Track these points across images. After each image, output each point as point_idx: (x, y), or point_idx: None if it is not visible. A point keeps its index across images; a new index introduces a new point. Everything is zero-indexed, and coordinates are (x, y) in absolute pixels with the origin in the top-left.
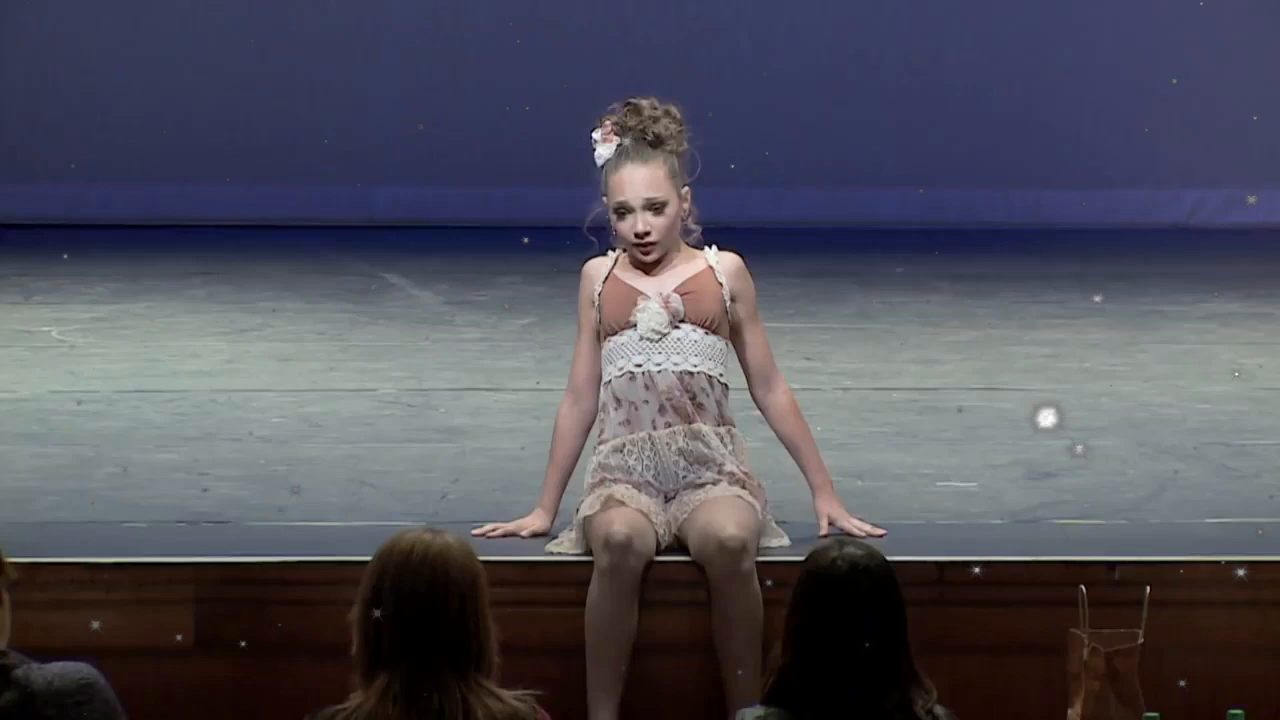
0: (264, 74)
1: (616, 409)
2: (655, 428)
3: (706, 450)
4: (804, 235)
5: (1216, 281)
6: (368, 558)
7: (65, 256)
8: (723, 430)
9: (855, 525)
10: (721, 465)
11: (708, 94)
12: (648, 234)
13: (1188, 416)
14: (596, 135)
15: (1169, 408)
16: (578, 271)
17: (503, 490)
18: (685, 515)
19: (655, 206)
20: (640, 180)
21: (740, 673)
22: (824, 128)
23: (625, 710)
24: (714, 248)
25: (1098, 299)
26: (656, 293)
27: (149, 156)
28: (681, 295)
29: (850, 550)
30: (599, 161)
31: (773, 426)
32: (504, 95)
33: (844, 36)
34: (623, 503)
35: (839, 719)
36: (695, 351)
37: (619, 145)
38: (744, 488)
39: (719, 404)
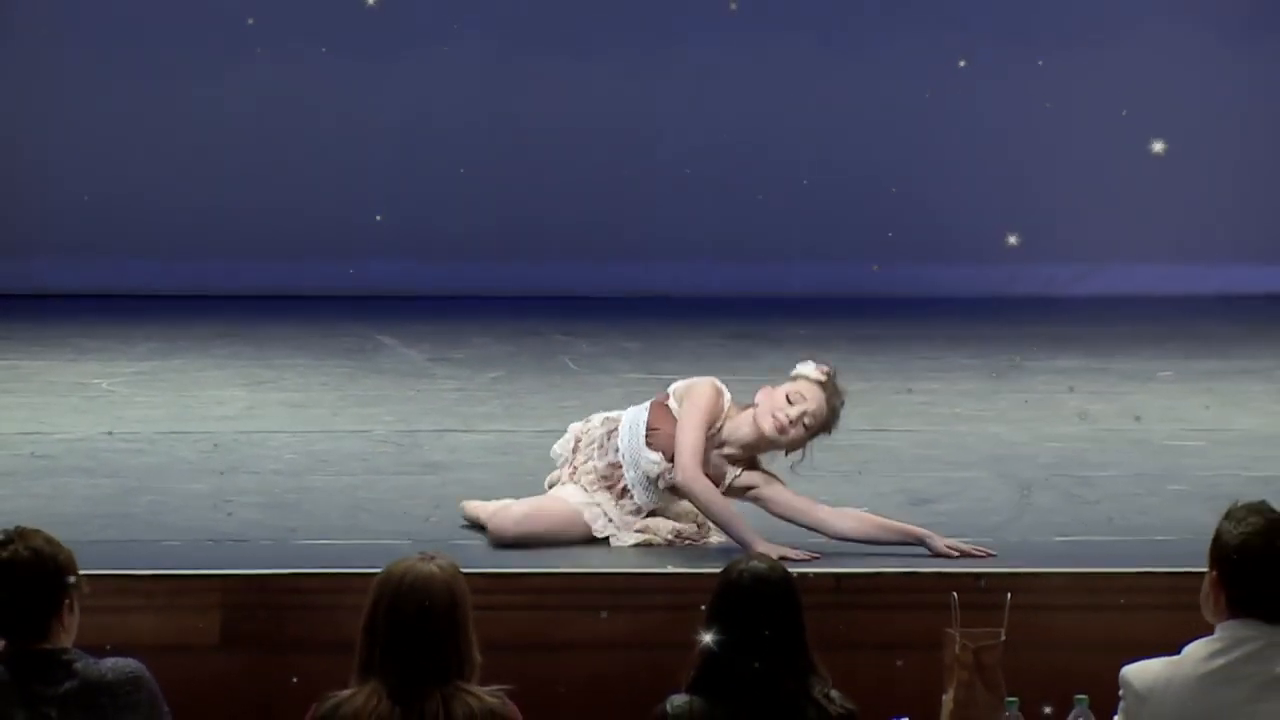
0: (276, 169)
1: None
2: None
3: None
4: (727, 304)
5: (1065, 341)
6: (366, 570)
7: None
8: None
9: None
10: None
11: (647, 185)
12: (787, 427)
13: (1040, 453)
14: (812, 369)
15: (1025, 445)
16: (542, 333)
17: None
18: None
19: (803, 427)
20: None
21: None
22: (742, 213)
23: (566, 706)
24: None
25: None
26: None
27: (182, 237)
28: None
29: (754, 565)
30: (799, 374)
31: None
32: (476, 182)
33: (768, 136)
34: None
35: (749, 702)
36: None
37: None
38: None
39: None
